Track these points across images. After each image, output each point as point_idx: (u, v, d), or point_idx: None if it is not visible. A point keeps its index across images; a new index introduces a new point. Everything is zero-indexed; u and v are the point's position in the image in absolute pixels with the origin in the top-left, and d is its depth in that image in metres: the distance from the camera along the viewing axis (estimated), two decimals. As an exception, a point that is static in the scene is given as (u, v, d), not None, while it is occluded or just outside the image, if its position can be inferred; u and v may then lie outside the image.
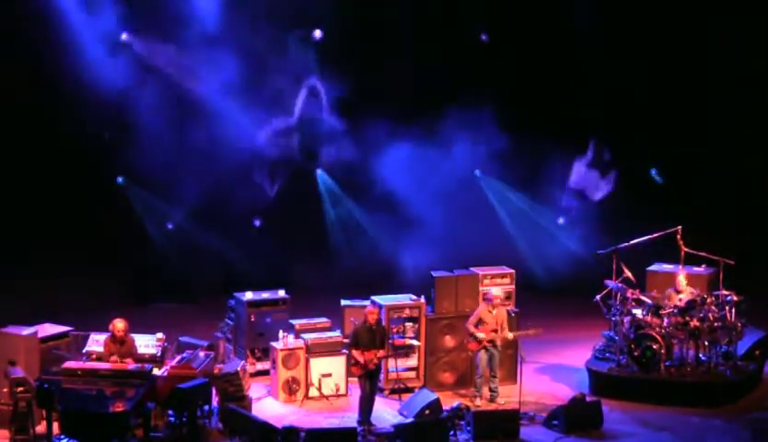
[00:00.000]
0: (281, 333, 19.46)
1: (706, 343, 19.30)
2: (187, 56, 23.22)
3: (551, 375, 20.43)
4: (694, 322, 19.11)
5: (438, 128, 24.04)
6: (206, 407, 17.59)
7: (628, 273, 19.75)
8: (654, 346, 19.08)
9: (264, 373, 19.84)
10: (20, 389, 16.90)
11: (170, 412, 17.48)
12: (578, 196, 25.05)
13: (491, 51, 25.25)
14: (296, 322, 20.05)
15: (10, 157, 23.52)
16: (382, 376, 19.18)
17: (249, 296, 20.31)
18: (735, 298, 19.38)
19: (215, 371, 18.43)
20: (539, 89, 24.93)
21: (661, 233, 20.03)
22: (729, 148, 25.18)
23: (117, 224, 24.29)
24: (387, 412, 18.65)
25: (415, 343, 19.57)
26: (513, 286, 20.11)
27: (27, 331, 17.98)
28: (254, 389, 19.15)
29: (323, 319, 20.24)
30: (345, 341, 19.21)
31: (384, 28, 24.39)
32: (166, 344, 18.73)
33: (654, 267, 20.97)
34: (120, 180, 24.58)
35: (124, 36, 23.18)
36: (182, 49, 23.13)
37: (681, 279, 19.78)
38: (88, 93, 22.73)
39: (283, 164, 24.56)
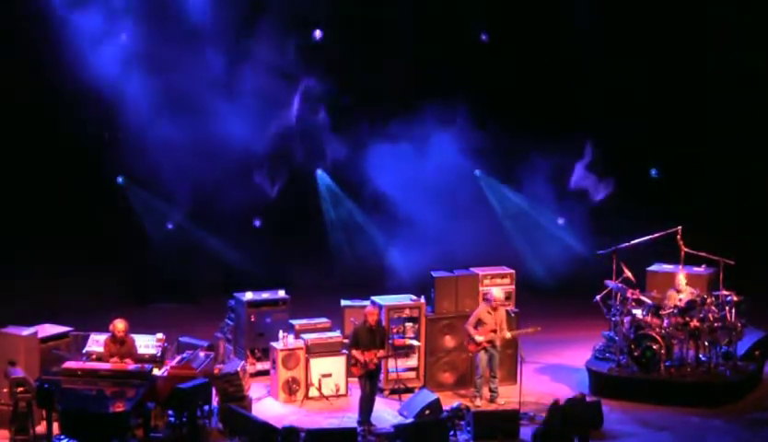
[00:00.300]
0: (281, 333, 19.46)
1: (706, 344, 19.30)
2: (188, 57, 23.20)
3: (551, 375, 20.44)
4: (694, 322, 19.11)
5: (437, 128, 24.03)
6: (206, 407, 17.59)
7: (628, 273, 19.75)
8: (654, 346, 19.08)
9: (264, 373, 19.84)
10: (20, 389, 16.90)
11: (170, 412, 17.48)
12: (578, 197, 25.01)
13: (490, 50, 25.23)
14: (296, 322, 20.05)
15: (10, 156, 23.51)
16: (382, 376, 19.19)
17: (249, 296, 20.31)
18: (735, 298, 19.38)
19: (215, 371, 18.43)
20: (538, 89, 24.92)
21: (661, 233, 20.04)
22: (729, 148, 25.18)
23: (117, 224, 24.29)
24: (387, 413, 18.65)
25: (415, 343, 19.58)
26: (513, 286, 20.11)
27: (27, 331, 17.98)
28: (254, 389, 19.15)
29: (323, 320, 20.25)
30: (345, 341, 19.21)
31: (383, 27, 24.37)
32: (166, 344, 18.74)
33: (654, 267, 20.97)
34: (120, 180, 24.58)
35: (124, 36, 23.16)
36: (183, 49, 23.11)
37: (681, 279, 19.78)
38: (88, 93, 22.71)
39: (282, 164, 24.54)
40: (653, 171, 25.94)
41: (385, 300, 19.55)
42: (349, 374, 19.07)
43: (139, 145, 23.24)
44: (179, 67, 23.21)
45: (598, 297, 20.06)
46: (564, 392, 19.33)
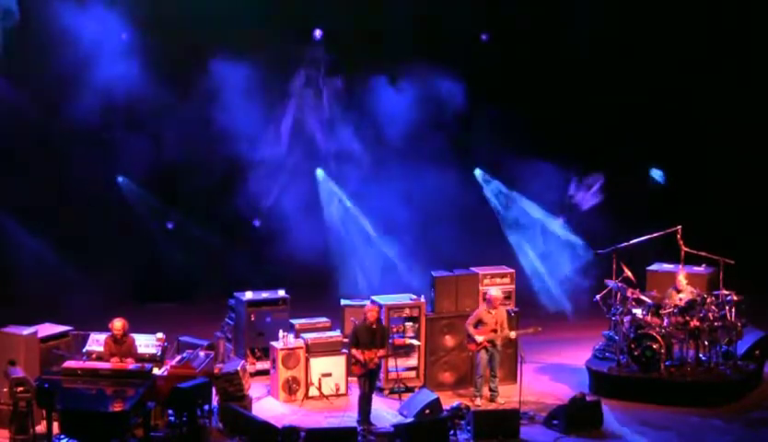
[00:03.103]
0: (281, 333, 19.47)
1: (706, 343, 19.31)
2: (188, 55, 23.17)
3: (551, 375, 20.44)
4: (694, 322, 19.12)
5: (436, 128, 24.03)
6: (206, 407, 17.59)
7: (628, 273, 19.78)
8: (654, 346, 19.09)
9: (264, 373, 19.86)
10: (20, 389, 16.90)
11: (170, 412, 17.49)
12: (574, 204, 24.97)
13: (488, 51, 25.22)
14: (296, 322, 20.07)
15: (10, 156, 23.49)
16: (382, 375, 19.21)
17: (249, 295, 20.33)
18: (735, 298, 19.39)
19: (215, 371, 18.43)
20: (537, 88, 24.90)
21: (661, 233, 20.06)
22: (729, 148, 25.17)
23: (117, 224, 24.27)
24: (387, 413, 18.66)
25: (415, 342, 19.58)
26: (513, 286, 20.12)
27: (27, 331, 17.99)
28: (254, 389, 19.16)
29: (323, 319, 20.27)
30: (345, 341, 19.21)
31: (383, 26, 24.35)
32: (166, 344, 18.76)
33: (654, 267, 20.98)
34: (120, 179, 24.57)
35: (124, 36, 23.14)
36: (184, 47, 23.09)
37: (681, 279, 19.78)
38: (88, 92, 22.71)
39: (283, 163, 24.51)
40: (653, 171, 25.91)
41: (385, 300, 19.56)
42: (350, 373, 19.07)
43: (139, 145, 23.21)
44: (180, 66, 23.18)
45: (598, 297, 20.08)
46: (564, 392, 19.36)
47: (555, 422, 18.04)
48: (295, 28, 23.97)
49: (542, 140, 24.15)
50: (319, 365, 19.34)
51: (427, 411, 18.05)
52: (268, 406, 19.00)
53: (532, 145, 24.01)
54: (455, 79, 24.08)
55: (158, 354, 18.45)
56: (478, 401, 18.96)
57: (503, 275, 20.14)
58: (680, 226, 19.84)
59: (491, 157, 24.74)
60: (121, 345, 17.93)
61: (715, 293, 19.56)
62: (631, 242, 20.11)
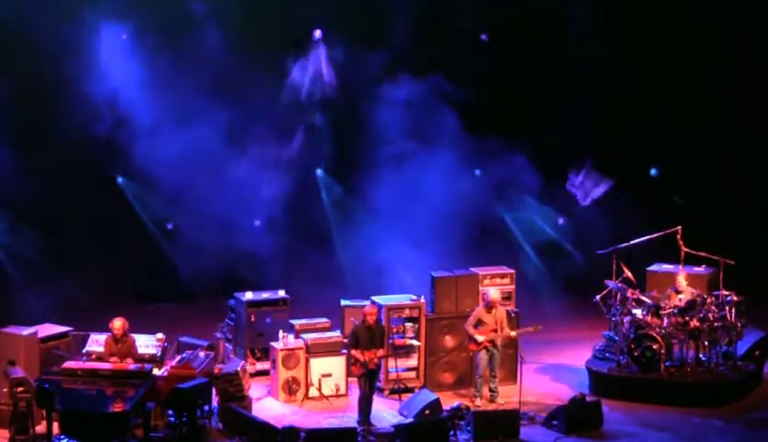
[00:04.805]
0: (281, 333, 19.48)
1: (706, 344, 19.31)
2: (188, 55, 23.18)
3: (551, 375, 20.44)
4: (694, 322, 19.13)
5: (435, 129, 24.04)
6: (206, 407, 17.59)
7: (628, 273, 19.78)
8: (654, 346, 19.09)
9: (264, 373, 19.86)
10: (20, 389, 16.90)
11: (170, 412, 17.49)
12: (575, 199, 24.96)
13: (487, 50, 25.21)
14: (296, 322, 20.08)
15: (10, 155, 23.48)
16: (382, 376, 19.21)
17: (249, 296, 20.33)
18: (735, 298, 19.39)
19: (215, 371, 18.44)
20: (538, 88, 24.90)
21: (661, 233, 20.06)
22: (729, 148, 25.17)
23: (117, 224, 24.27)
24: (387, 413, 18.66)
25: (415, 343, 19.58)
26: (513, 286, 20.12)
27: (27, 331, 18.00)
28: (254, 389, 19.16)
29: (323, 320, 20.27)
30: (345, 341, 19.21)
31: (381, 25, 24.35)
32: (166, 344, 18.76)
33: (654, 267, 20.98)
34: (120, 180, 24.57)
35: (124, 36, 23.16)
36: (183, 46, 23.10)
37: (681, 279, 19.79)
38: (88, 92, 22.70)
39: (283, 163, 24.51)
40: (653, 171, 25.91)
41: (385, 300, 19.56)
42: (349, 374, 19.08)
43: (140, 145, 23.21)
44: (181, 66, 23.18)
45: (598, 297, 20.08)
46: (564, 393, 19.36)
47: (555, 422, 18.04)
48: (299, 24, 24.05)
49: (542, 140, 24.17)
50: (319, 365, 19.34)
51: (427, 411, 18.05)
52: (268, 406, 19.01)
53: (531, 144, 24.06)
54: (456, 78, 24.12)
55: (158, 354, 18.45)
56: (478, 402, 18.96)
57: (503, 276, 20.15)
58: (680, 227, 19.85)
59: (490, 156, 24.72)
60: (121, 345, 17.93)
61: (715, 293, 19.56)
62: (631, 242, 20.11)
